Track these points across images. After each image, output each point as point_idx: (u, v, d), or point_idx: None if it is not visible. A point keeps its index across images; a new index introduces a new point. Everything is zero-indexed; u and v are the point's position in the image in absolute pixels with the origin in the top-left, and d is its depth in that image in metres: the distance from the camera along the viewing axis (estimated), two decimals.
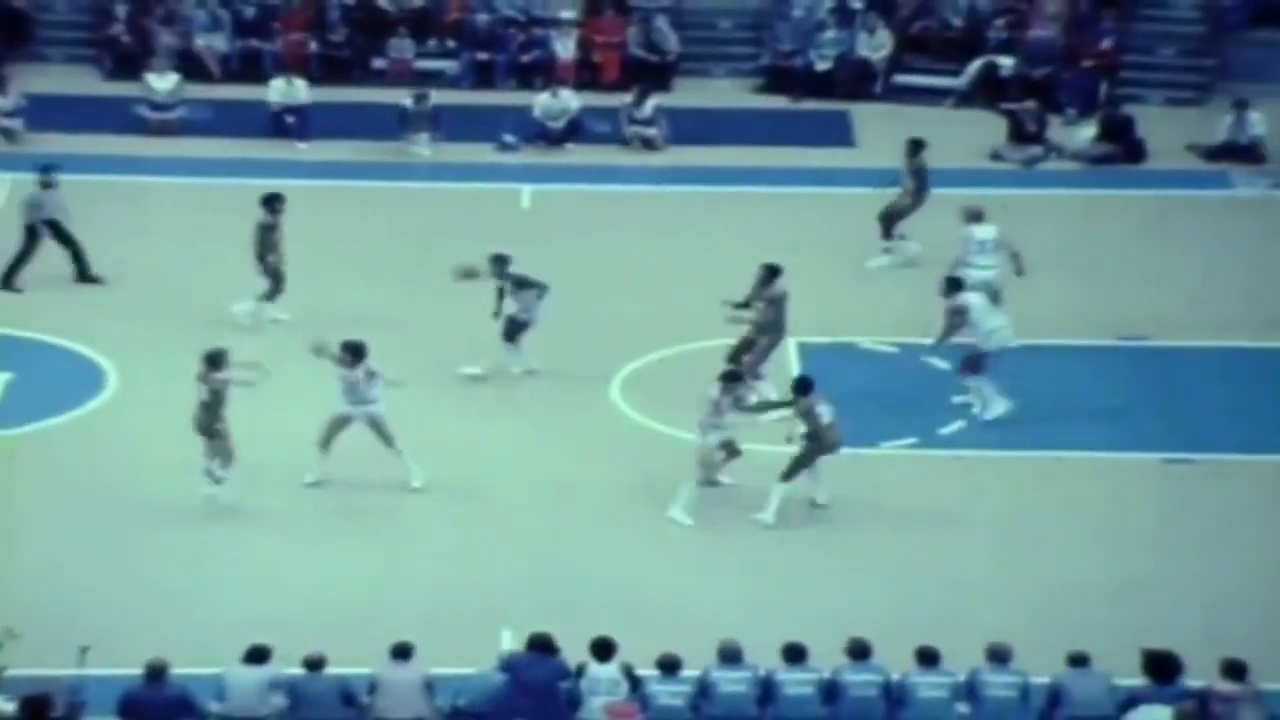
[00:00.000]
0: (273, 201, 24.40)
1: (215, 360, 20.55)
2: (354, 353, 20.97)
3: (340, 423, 21.04)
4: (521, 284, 23.06)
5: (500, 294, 23.17)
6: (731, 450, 20.88)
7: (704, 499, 20.76)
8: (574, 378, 23.44)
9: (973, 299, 22.46)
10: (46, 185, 25.68)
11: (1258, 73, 31.33)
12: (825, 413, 20.56)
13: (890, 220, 26.01)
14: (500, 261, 23.17)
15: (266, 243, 24.25)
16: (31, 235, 25.58)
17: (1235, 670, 16.57)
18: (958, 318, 22.33)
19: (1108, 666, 16.78)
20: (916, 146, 25.90)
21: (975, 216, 24.17)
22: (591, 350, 24.08)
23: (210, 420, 20.55)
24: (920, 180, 25.85)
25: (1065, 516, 21.00)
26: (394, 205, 28.46)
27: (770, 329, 22.43)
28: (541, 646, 16.88)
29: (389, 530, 20.67)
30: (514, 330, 23.22)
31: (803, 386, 20.76)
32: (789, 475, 20.60)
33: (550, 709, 16.65)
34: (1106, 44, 31.97)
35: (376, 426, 21.03)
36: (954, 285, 22.60)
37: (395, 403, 21.22)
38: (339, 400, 20.94)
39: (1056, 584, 19.75)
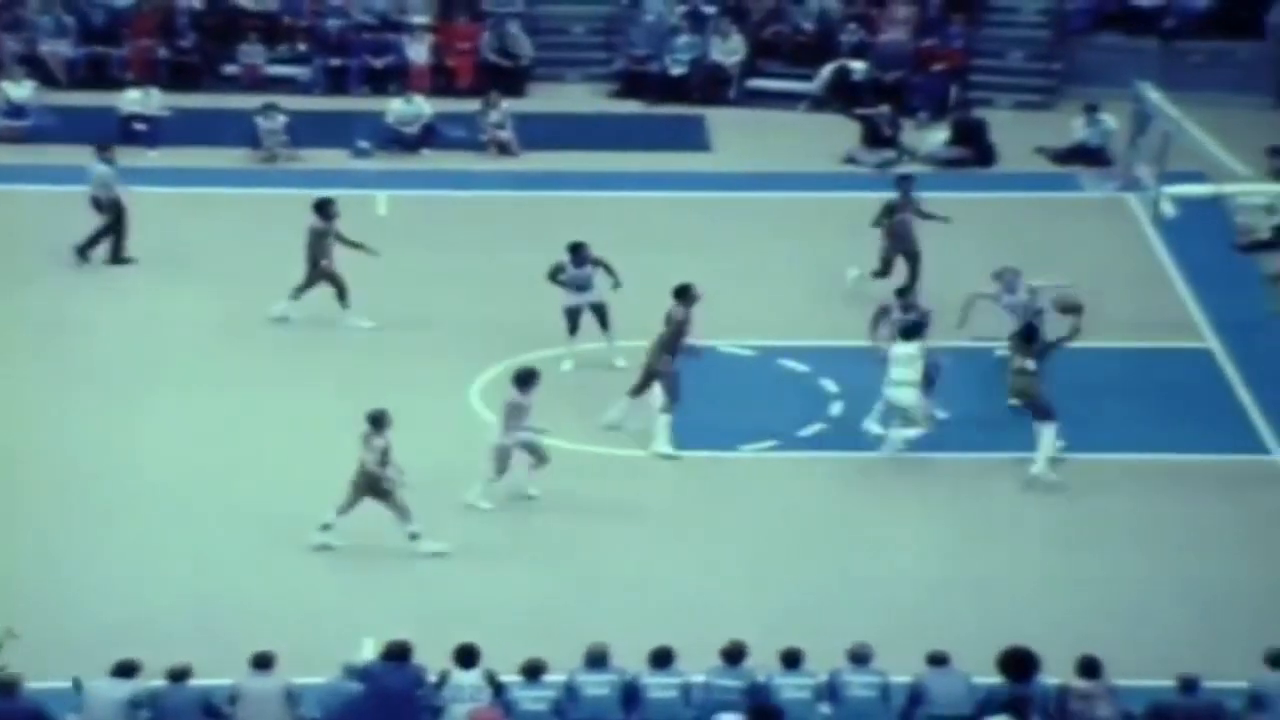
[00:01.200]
0: (325, 206, 24.46)
1: (377, 422, 20.15)
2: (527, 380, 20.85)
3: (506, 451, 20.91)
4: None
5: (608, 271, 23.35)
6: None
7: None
8: (433, 384, 23.40)
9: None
10: (108, 161, 26.21)
11: (1102, 77, 31.81)
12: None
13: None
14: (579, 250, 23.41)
15: (320, 248, 24.31)
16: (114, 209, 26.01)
17: (1090, 668, 16.80)
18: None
19: (966, 665, 16.97)
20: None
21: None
22: (450, 356, 24.05)
23: (376, 481, 20.12)
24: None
25: (923, 516, 21.21)
26: (248, 212, 28.24)
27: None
28: (398, 655, 16.84)
29: (254, 536, 20.54)
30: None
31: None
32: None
33: (407, 717, 16.59)
34: (956, 47, 32.33)
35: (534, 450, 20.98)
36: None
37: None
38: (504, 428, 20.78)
39: (916, 584, 19.93)
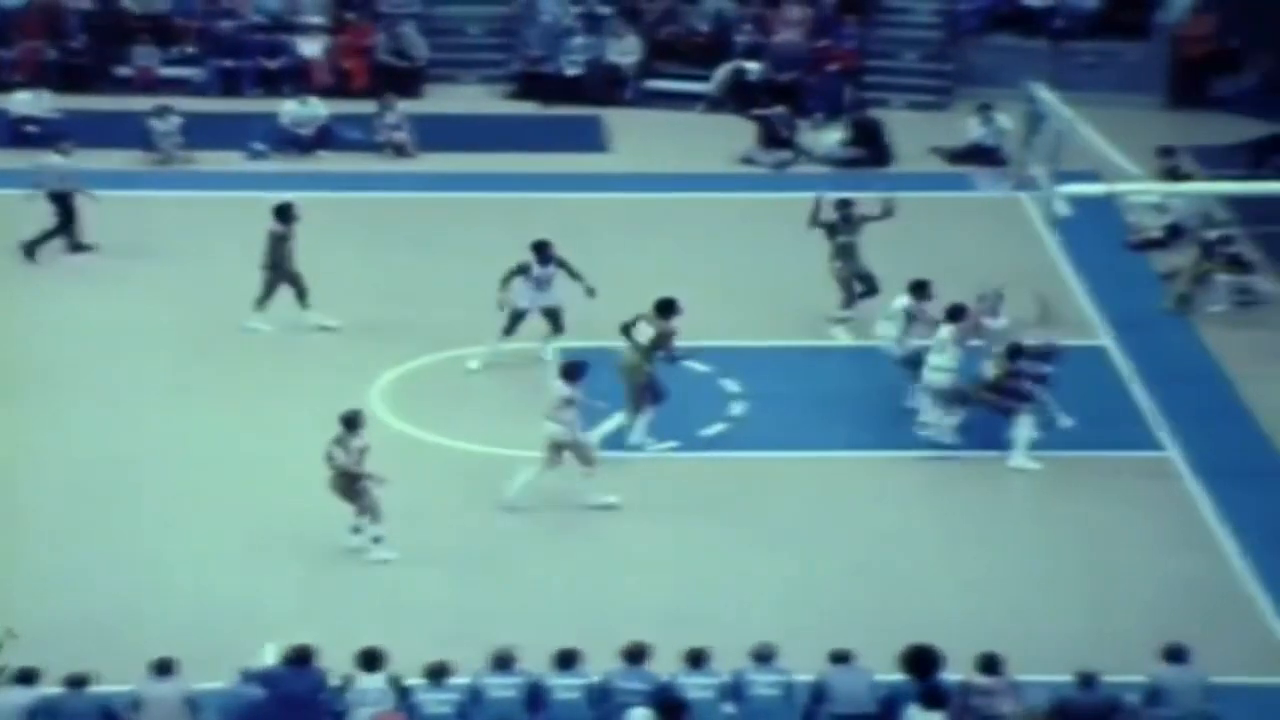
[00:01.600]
0: (285, 211, 24.31)
1: (351, 423, 20.00)
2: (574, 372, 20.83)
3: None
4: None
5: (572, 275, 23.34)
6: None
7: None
8: (332, 386, 23.29)
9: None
10: (64, 154, 26.32)
11: (994, 77, 32.06)
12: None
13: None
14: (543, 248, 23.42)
15: (279, 252, 24.18)
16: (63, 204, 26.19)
17: (991, 664, 16.96)
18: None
19: (869, 663, 17.09)
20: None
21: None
22: (349, 358, 23.96)
23: (354, 481, 19.96)
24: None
25: (826, 515, 21.31)
26: (142, 215, 28.01)
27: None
28: (300, 659, 16.78)
29: (152, 540, 20.39)
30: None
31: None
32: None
33: None
34: (850, 48, 32.52)
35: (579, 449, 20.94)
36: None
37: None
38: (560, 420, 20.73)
39: (819, 582, 20.03)
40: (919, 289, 23.01)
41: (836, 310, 24.58)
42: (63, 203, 26.56)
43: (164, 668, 16.68)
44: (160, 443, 22.24)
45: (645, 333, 22.07)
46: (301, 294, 24.53)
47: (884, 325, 23.26)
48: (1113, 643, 18.63)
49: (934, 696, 16.51)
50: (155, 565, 20.02)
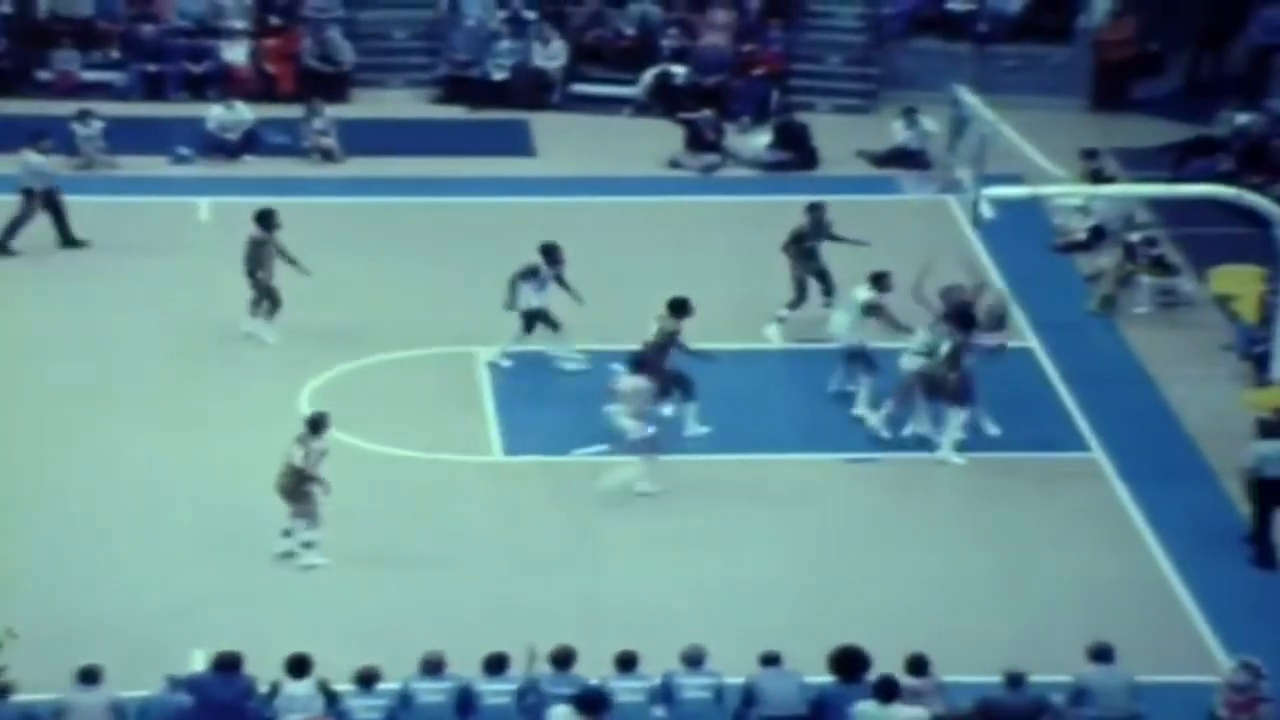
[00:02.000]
0: (266, 217, 24.13)
1: (317, 425, 19.98)
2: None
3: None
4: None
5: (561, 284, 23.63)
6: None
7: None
8: (261, 391, 23.22)
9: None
10: (43, 152, 26.42)
11: (919, 80, 32.19)
12: None
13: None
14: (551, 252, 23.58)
15: (257, 258, 24.00)
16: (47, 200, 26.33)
17: (917, 665, 17.03)
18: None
19: (798, 665, 17.13)
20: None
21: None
22: (278, 362, 23.88)
23: (303, 482, 19.92)
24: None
25: (754, 517, 21.37)
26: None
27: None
28: (227, 665, 16.71)
29: (78, 547, 20.26)
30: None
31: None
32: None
33: None
34: (775, 52, 32.61)
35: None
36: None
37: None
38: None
39: (748, 584, 20.08)
40: (879, 280, 23.10)
41: (780, 309, 24.59)
42: (49, 200, 26.58)
43: (89, 676, 16.59)
44: (84, 448, 22.10)
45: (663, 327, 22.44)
46: (260, 301, 24.33)
47: (839, 315, 23.37)
48: (1039, 643, 18.73)
49: (888, 689, 16.53)
50: (81, 572, 19.89)
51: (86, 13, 32.79)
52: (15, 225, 26.66)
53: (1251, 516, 20.88)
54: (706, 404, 22.87)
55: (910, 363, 22.54)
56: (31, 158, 26.85)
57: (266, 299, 24.32)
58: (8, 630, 16.61)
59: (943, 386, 22.21)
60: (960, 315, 22.30)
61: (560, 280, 23.93)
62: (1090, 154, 28.51)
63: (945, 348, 22.17)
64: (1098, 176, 28.11)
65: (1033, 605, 19.96)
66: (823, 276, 24.90)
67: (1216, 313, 25.83)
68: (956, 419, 22.19)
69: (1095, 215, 27.82)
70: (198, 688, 16.73)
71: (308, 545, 20.07)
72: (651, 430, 21.49)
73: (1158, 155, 30.18)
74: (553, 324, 23.85)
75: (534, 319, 23.81)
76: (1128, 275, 26.30)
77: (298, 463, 19.90)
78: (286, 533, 20.13)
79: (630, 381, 21.52)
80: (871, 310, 22.95)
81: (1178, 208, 27.22)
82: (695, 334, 22.82)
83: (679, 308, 22.53)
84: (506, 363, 23.73)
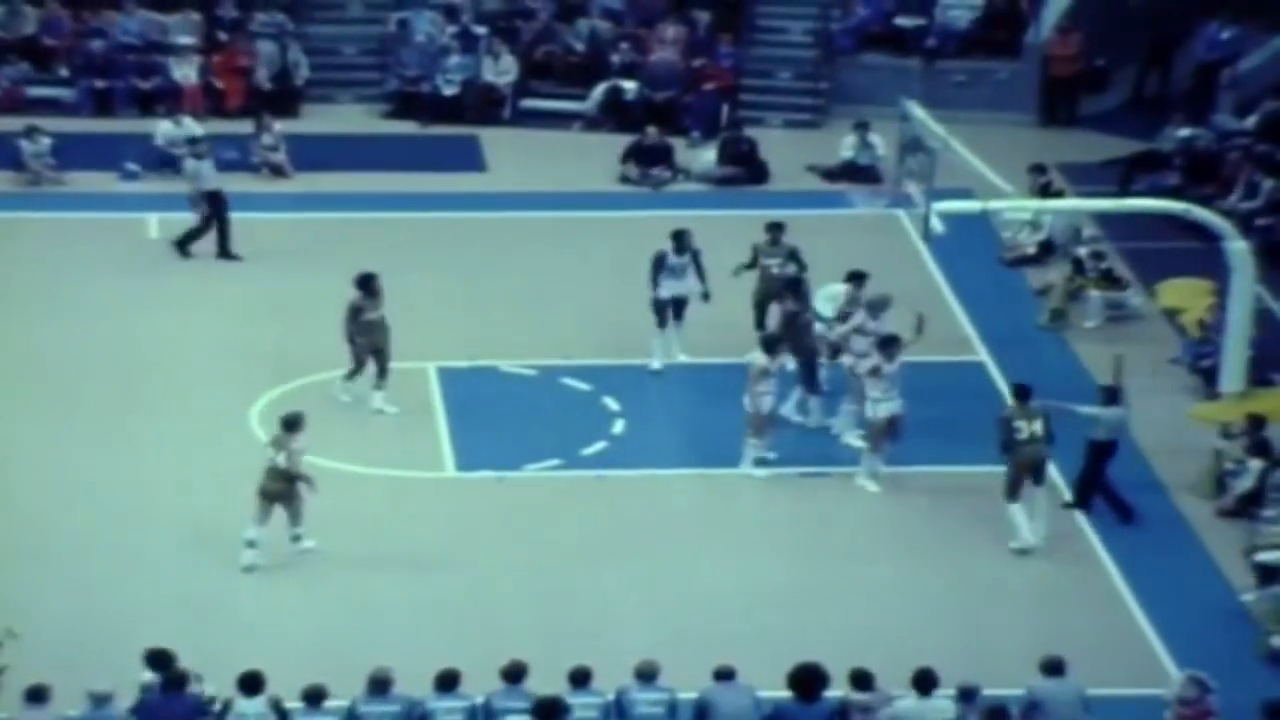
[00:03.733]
0: (367, 282, 23.02)
1: (292, 425, 20.08)
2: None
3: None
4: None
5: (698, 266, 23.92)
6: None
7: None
8: (211, 408, 23.15)
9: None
10: (198, 156, 26.67)
11: (869, 95, 32.29)
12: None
13: None
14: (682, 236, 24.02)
15: (358, 325, 22.97)
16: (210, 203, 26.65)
17: (862, 680, 17.03)
18: None
19: (750, 679, 17.14)
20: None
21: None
22: (229, 380, 23.81)
23: (293, 481, 20.09)
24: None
25: (708, 532, 21.40)
26: (12, 237, 27.68)
27: None
28: (175, 683, 16.65)
29: (26, 565, 20.17)
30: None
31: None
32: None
33: None
34: (725, 67, 32.68)
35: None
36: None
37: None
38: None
39: (701, 599, 20.09)
40: (857, 278, 23.27)
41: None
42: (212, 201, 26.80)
43: (37, 695, 16.50)
44: (32, 464, 21.98)
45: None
46: (358, 371, 23.16)
47: (823, 303, 23.46)
48: (991, 656, 18.78)
49: (926, 681, 16.79)
50: (29, 590, 19.76)
51: (30, 30, 32.64)
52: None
53: (1086, 476, 21.46)
54: (658, 420, 22.88)
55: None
56: (192, 162, 27.01)
57: (377, 366, 23.11)
58: (7, 630, 16.51)
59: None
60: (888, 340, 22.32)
61: (697, 265, 24.07)
62: (1039, 169, 28.65)
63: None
64: (1046, 190, 28.26)
65: (983, 618, 20.01)
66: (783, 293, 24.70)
67: (1165, 326, 25.98)
68: (870, 458, 22.14)
69: (1044, 229, 27.95)
70: (145, 707, 16.63)
71: (296, 539, 20.34)
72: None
73: (1104, 170, 30.35)
74: (681, 314, 23.99)
75: (670, 306, 24.04)
76: (1077, 289, 26.43)
77: (281, 464, 20.02)
78: (296, 537, 20.26)
79: (759, 360, 21.96)
80: (850, 303, 23.14)
81: (1125, 222, 27.38)
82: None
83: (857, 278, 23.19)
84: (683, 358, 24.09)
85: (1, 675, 16.48)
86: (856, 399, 22.55)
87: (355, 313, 23.08)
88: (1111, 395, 21.89)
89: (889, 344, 22.06)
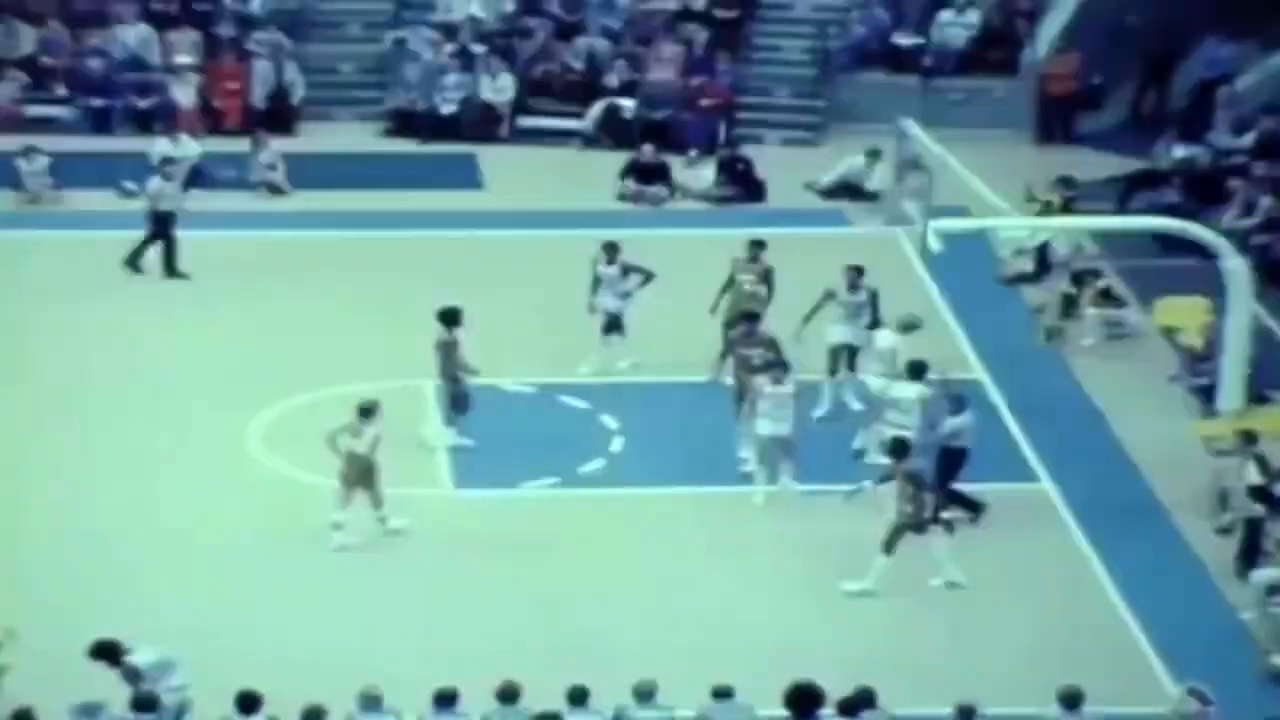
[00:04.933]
0: (451, 316, 22.41)
1: (368, 412, 20.57)
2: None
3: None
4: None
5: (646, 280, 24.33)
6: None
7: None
8: (209, 426, 23.14)
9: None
10: (167, 177, 26.79)
11: (865, 114, 32.37)
12: None
13: None
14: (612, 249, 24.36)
15: (452, 361, 22.38)
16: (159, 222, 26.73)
17: (865, 700, 16.99)
18: None
19: (749, 698, 17.12)
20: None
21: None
22: (227, 398, 23.80)
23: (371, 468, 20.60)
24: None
25: (706, 550, 21.37)
26: (10, 256, 27.69)
27: None
28: (145, 705, 16.59)
29: (19, 583, 20.12)
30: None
31: None
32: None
33: None
34: (723, 85, 32.71)
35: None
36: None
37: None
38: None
39: (697, 619, 20.05)
40: (909, 328, 23.43)
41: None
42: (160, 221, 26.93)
43: (22, 717, 16.43)
44: (30, 481, 21.97)
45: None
46: (455, 408, 22.64)
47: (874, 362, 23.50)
48: (990, 676, 18.77)
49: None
50: (22, 608, 19.70)
51: (29, 49, 32.68)
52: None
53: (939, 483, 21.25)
54: (656, 438, 22.86)
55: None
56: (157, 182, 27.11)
57: (460, 403, 22.65)
58: (7, 630, 16.48)
59: None
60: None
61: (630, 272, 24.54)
62: (1066, 182, 28.48)
63: None
64: (1068, 206, 28.16)
65: (982, 637, 19.98)
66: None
67: (1163, 344, 25.98)
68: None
69: (1043, 247, 27.92)
70: None
71: (383, 520, 20.83)
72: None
73: (1103, 188, 30.37)
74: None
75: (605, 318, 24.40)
76: (1074, 307, 26.43)
77: (361, 450, 20.46)
78: (382, 519, 20.78)
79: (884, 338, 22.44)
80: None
81: (1124, 239, 27.40)
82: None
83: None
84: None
85: (1, 676, 16.40)
86: (878, 420, 22.47)
87: (449, 349, 22.34)
88: (959, 403, 21.72)
89: (919, 370, 22.08)
